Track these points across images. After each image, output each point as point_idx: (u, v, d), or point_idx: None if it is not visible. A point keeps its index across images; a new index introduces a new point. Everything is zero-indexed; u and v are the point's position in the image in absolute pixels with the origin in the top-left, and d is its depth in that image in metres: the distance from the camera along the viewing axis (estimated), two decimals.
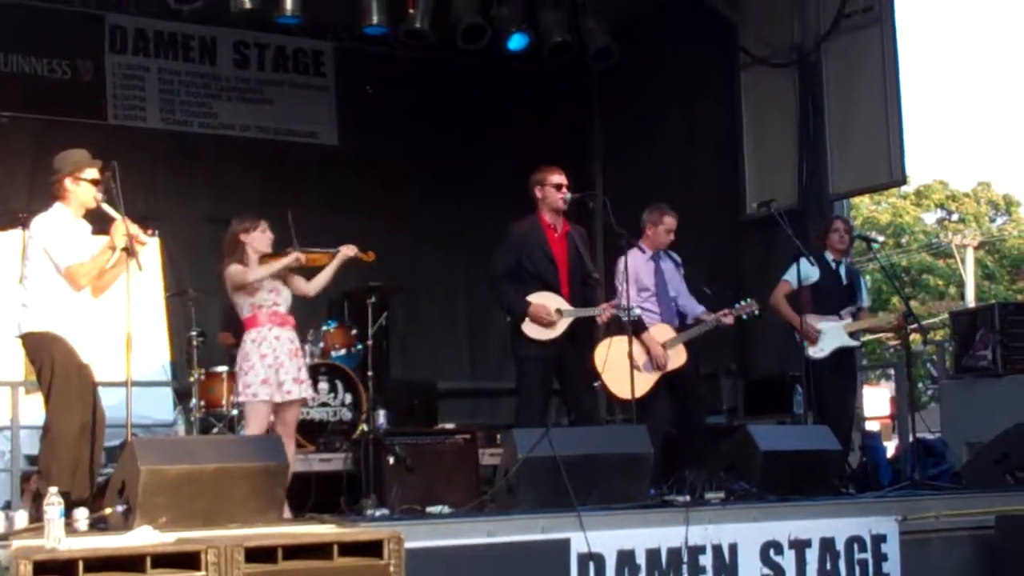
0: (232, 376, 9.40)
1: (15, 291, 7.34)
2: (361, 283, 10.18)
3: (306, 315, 9.80)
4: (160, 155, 12.29)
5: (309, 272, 8.13)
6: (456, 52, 12.19)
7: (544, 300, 8.40)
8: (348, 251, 8.15)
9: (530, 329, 8.38)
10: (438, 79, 13.20)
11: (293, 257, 7.92)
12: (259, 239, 8.02)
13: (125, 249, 7.06)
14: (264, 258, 7.97)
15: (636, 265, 9.02)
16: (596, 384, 8.76)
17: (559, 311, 8.38)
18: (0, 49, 11.64)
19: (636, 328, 8.75)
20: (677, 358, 8.97)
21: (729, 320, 9.16)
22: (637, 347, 8.76)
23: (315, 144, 13.06)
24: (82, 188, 7.15)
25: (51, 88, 11.89)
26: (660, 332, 8.99)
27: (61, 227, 7.11)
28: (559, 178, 8.65)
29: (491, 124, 13.35)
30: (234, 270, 7.95)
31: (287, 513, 7.52)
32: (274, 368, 7.79)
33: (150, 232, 7.69)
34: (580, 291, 8.60)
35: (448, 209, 13.16)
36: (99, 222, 7.31)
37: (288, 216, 8.01)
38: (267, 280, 7.95)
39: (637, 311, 8.60)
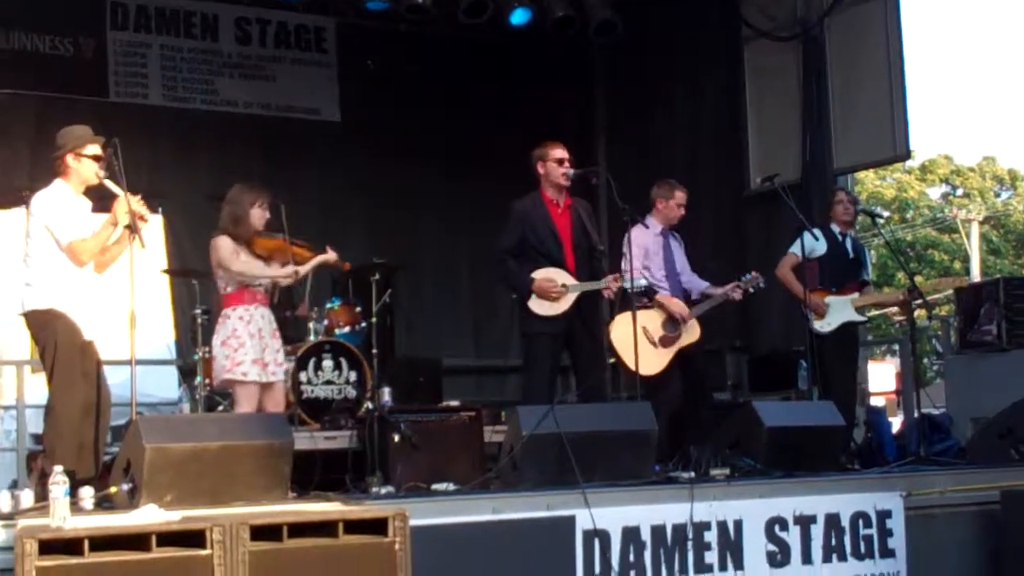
0: None
1: (18, 269, 7.33)
2: (365, 260, 10.16)
3: (310, 293, 9.83)
4: (162, 132, 12.25)
5: (296, 262, 8.21)
6: (459, 27, 12.15)
7: (549, 275, 8.40)
8: (330, 256, 8.34)
9: (536, 305, 8.38)
10: (440, 55, 13.15)
11: (292, 271, 7.94)
12: (257, 215, 8.05)
13: (128, 226, 7.05)
14: (255, 236, 7.97)
15: (644, 239, 9.02)
16: (612, 361, 8.76)
17: (564, 285, 8.38)
18: (1, 26, 11.59)
19: (649, 294, 8.76)
20: (691, 333, 8.97)
21: (737, 295, 9.17)
22: (654, 320, 8.77)
23: (317, 120, 13.02)
24: (84, 164, 7.13)
25: (53, 65, 11.85)
26: (678, 302, 9.01)
27: (62, 203, 7.10)
28: (561, 153, 8.64)
29: (494, 100, 13.30)
30: (225, 251, 7.95)
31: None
32: (261, 348, 7.79)
33: (152, 209, 7.65)
34: (586, 264, 8.58)
35: (451, 185, 13.12)
36: (101, 199, 7.29)
37: (281, 209, 8.13)
38: (254, 262, 7.95)
39: (643, 281, 8.60)
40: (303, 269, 8.26)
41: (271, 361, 7.84)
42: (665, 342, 8.86)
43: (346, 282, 10.39)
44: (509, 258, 8.56)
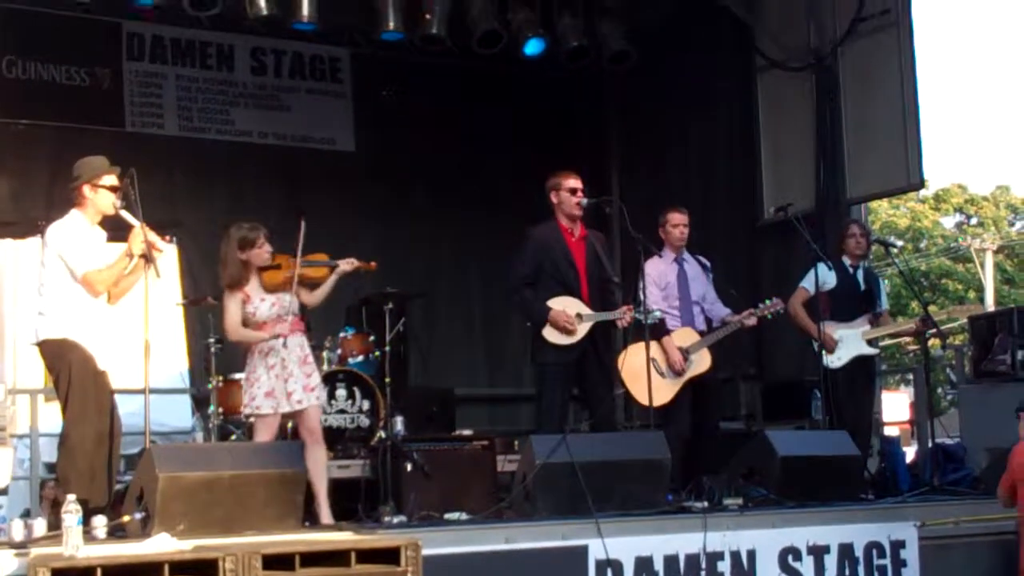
0: None
1: (33, 299, 7.36)
2: (378, 289, 10.18)
3: (324, 322, 9.83)
4: (178, 162, 12.31)
5: (312, 284, 8.08)
6: (473, 58, 12.19)
7: (564, 305, 8.40)
8: (346, 266, 8.04)
9: (551, 335, 8.38)
10: (454, 85, 13.20)
11: (276, 332, 7.79)
12: (258, 256, 7.86)
13: (143, 256, 7.08)
14: (263, 271, 7.89)
15: (657, 269, 9.03)
16: (619, 392, 8.75)
17: (579, 316, 8.38)
18: (18, 56, 11.68)
19: (657, 332, 8.75)
20: (702, 362, 8.95)
21: (752, 321, 9.14)
22: (659, 353, 8.76)
23: (332, 150, 13.08)
24: (100, 195, 7.16)
25: (69, 95, 11.93)
26: (683, 336, 8.99)
27: (77, 234, 7.13)
28: (574, 182, 8.65)
29: (508, 130, 13.35)
30: (228, 317, 7.83)
31: (329, 518, 7.54)
32: (282, 379, 7.74)
33: (168, 239, 7.66)
34: (599, 295, 8.59)
35: (465, 214, 13.15)
36: (116, 229, 7.33)
37: (302, 224, 7.88)
38: (264, 295, 7.89)
39: (658, 313, 8.61)
40: (325, 287, 8.10)
41: (296, 389, 7.77)
42: (674, 373, 8.85)
43: (360, 311, 10.40)
44: (525, 287, 8.55)
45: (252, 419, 7.90)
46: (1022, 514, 7.11)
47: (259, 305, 7.83)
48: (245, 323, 7.85)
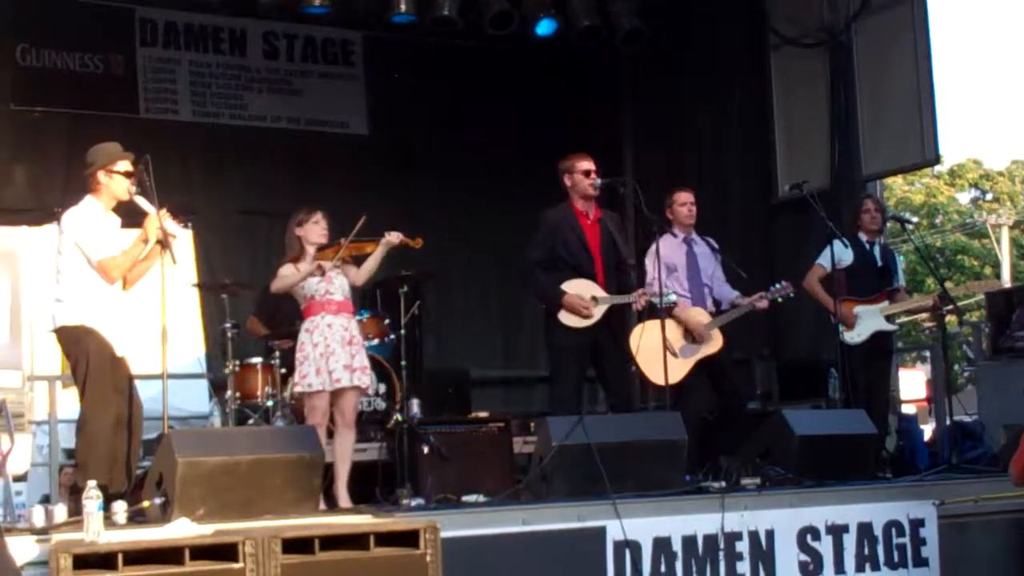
0: (267, 368, 9.45)
1: (49, 286, 7.38)
2: (393, 272, 10.19)
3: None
4: (192, 148, 12.32)
5: (360, 260, 8.16)
6: (485, 39, 12.17)
7: (579, 289, 8.38)
8: (393, 238, 8.18)
9: (567, 318, 8.37)
10: (467, 67, 13.19)
11: (314, 265, 7.94)
12: (312, 230, 8.07)
13: (159, 242, 7.10)
14: (320, 250, 8.01)
15: (668, 249, 9.02)
16: (632, 369, 8.74)
17: (595, 298, 8.36)
18: (32, 45, 11.69)
19: (670, 309, 8.75)
20: (713, 343, 8.95)
21: (764, 304, 9.13)
22: (674, 331, 8.75)
23: (345, 134, 13.07)
24: (115, 181, 7.19)
25: (83, 83, 11.93)
26: (695, 316, 8.98)
27: (92, 221, 7.15)
28: (587, 164, 8.63)
29: (520, 112, 13.32)
30: (279, 275, 8.07)
31: (347, 502, 7.56)
32: (324, 357, 7.81)
33: (183, 224, 7.68)
34: (614, 276, 8.58)
35: (479, 197, 13.14)
36: (130, 215, 7.34)
37: (361, 219, 8.04)
38: (284, 273, 8.00)
39: (672, 296, 8.60)
40: (373, 260, 8.18)
41: (337, 367, 7.82)
42: (685, 352, 8.85)
43: (375, 294, 10.41)
44: (539, 270, 8.54)
45: (303, 396, 8.00)
46: None
47: (308, 279, 7.98)
48: (293, 295, 8.07)
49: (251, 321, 10.19)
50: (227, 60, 12.67)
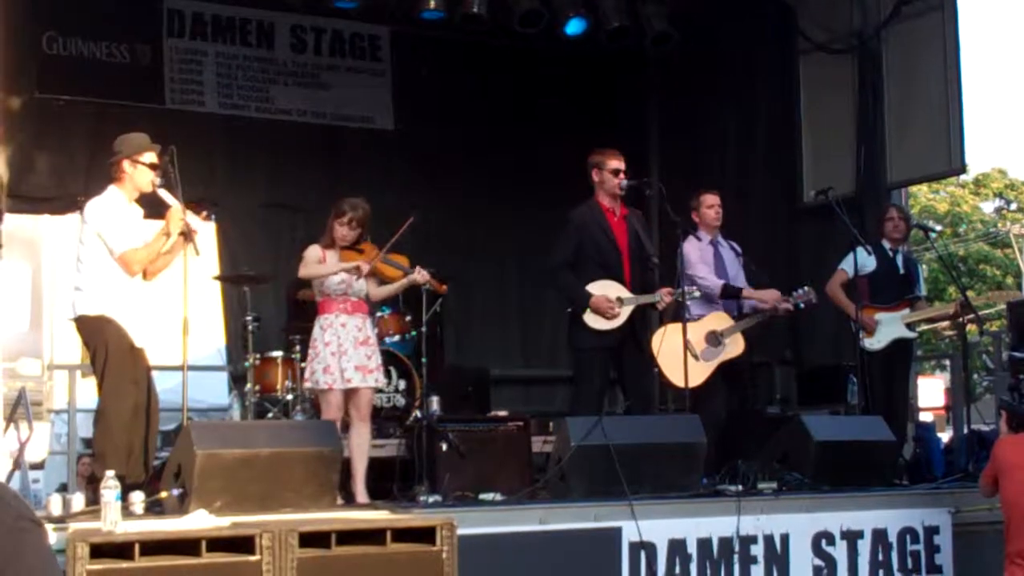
0: (287, 362, 9.47)
1: (70, 274, 7.40)
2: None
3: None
4: (217, 140, 12.31)
5: (382, 280, 8.20)
6: (514, 37, 12.15)
7: (605, 290, 8.36)
8: (419, 277, 8.17)
9: (592, 320, 8.36)
10: (495, 64, 13.18)
11: (354, 265, 7.93)
12: (338, 230, 8.06)
13: (182, 234, 7.12)
14: (344, 250, 8.01)
15: (694, 251, 9.02)
16: (654, 370, 8.74)
17: (620, 299, 8.35)
18: (59, 33, 11.69)
19: (730, 293, 8.77)
20: (735, 346, 8.94)
21: (786, 306, 9.12)
22: (697, 334, 8.75)
23: (371, 129, 13.05)
24: (140, 172, 7.20)
25: (109, 72, 11.91)
26: (717, 320, 8.98)
27: (115, 212, 7.17)
28: (617, 163, 8.61)
29: (547, 111, 13.30)
30: (307, 257, 8.08)
31: (365, 497, 7.57)
32: (336, 356, 7.81)
33: (205, 216, 7.69)
34: (640, 275, 8.56)
35: (502, 195, 13.12)
36: (152, 206, 7.36)
37: (408, 222, 8.08)
38: (316, 265, 8.03)
39: (697, 295, 8.59)
40: (391, 287, 8.23)
41: (348, 367, 7.82)
42: (707, 355, 8.84)
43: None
44: (566, 270, 8.53)
45: (315, 393, 8.04)
46: (1005, 504, 7.10)
47: (314, 264, 8.02)
48: (312, 284, 8.13)
49: (303, 292, 10.11)
50: (254, 53, 12.66)
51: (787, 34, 12.31)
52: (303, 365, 9.22)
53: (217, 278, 10.68)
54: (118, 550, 5.31)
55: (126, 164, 7.22)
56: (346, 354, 7.81)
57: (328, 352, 7.81)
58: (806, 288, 9.20)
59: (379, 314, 10.03)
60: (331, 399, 7.82)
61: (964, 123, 10.85)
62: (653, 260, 8.70)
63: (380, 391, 9.19)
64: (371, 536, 5.78)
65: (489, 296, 13.36)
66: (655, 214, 11.17)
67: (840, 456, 7.83)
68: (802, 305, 9.18)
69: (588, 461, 7.10)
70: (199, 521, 5.80)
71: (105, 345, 7.02)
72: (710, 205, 9.25)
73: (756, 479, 7.62)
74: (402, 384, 9.59)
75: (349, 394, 7.87)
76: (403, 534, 5.82)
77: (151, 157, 7.23)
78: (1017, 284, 32.70)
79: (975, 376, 26.44)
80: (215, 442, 6.39)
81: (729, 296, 9.03)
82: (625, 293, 8.39)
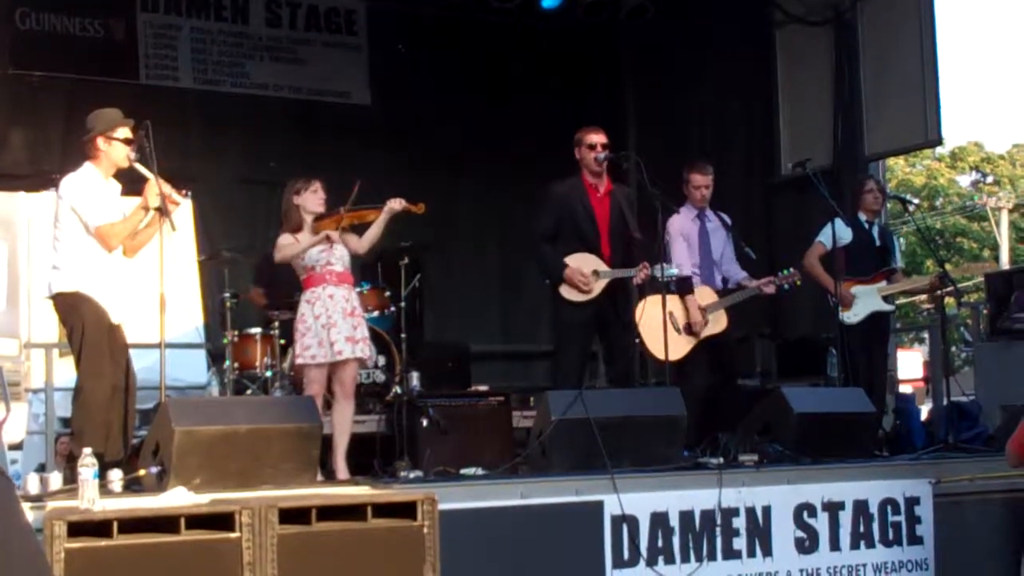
0: (266, 338, 9.42)
1: (47, 252, 7.34)
2: (393, 244, 10.17)
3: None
4: (192, 115, 12.23)
5: (361, 229, 8.10)
6: (490, 12, 12.11)
7: (581, 263, 8.37)
8: (395, 205, 8.08)
9: (567, 292, 8.36)
10: (471, 38, 13.11)
11: (323, 236, 7.88)
12: (310, 199, 8.03)
13: (159, 209, 7.07)
14: (318, 219, 7.95)
15: (680, 225, 9.02)
16: (636, 342, 8.74)
17: (596, 272, 8.34)
18: (32, 8, 11.57)
19: (683, 288, 8.75)
20: (717, 323, 8.94)
21: (771, 289, 9.14)
22: (679, 308, 8.75)
23: (347, 104, 12.99)
24: (114, 147, 7.14)
25: (83, 47, 11.80)
26: (702, 295, 8.98)
27: (90, 187, 7.11)
28: (593, 137, 8.62)
29: (524, 84, 13.26)
30: (279, 245, 8.02)
31: (345, 473, 7.54)
32: (326, 328, 7.77)
33: (183, 192, 7.63)
34: (622, 251, 8.56)
35: (480, 169, 13.07)
36: (130, 182, 7.30)
37: (356, 184, 7.93)
38: (288, 243, 7.96)
39: (674, 271, 8.57)
40: (374, 229, 8.11)
41: (339, 339, 7.77)
42: (689, 329, 8.84)
43: (375, 266, 10.37)
44: (544, 243, 8.53)
45: (302, 368, 7.95)
46: None
47: (310, 250, 7.93)
48: (292, 266, 8.04)
49: (252, 292, 10.15)
50: (229, 27, 12.56)
51: (763, 6, 12.28)
52: (282, 342, 9.21)
53: (200, 261, 10.63)
54: (96, 528, 5.28)
55: (100, 141, 7.16)
56: (336, 326, 7.76)
57: (319, 325, 7.76)
58: (791, 270, 9.20)
59: (358, 290, 9.98)
60: (318, 374, 7.79)
61: (940, 95, 10.90)
62: (635, 236, 8.69)
63: (363, 366, 9.19)
64: (352, 512, 5.75)
65: (468, 271, 13.32)
66: (634, 187, 11.14)
67: (821, 428, 7.83)
68: (786, 287, 9.18)
69: (569, 435, 7.09)
70: (178, 498, 5.77)
71: (82, 323, 6.97)
72: (697, 185, 9.23)
73: (737, 452, 7.62)
74: (382, 360, 9.53)
75: (334, 369, 7.84)
76: (384, 509, 5.79)
77: (125, 132, 7.16)
78: (994, 256, 32.80)
79: (953, 348, 26.50)
80: (193, 419, 6.35)
81: (681, 291, 8.96)
82: (602, 266, 8.38)
